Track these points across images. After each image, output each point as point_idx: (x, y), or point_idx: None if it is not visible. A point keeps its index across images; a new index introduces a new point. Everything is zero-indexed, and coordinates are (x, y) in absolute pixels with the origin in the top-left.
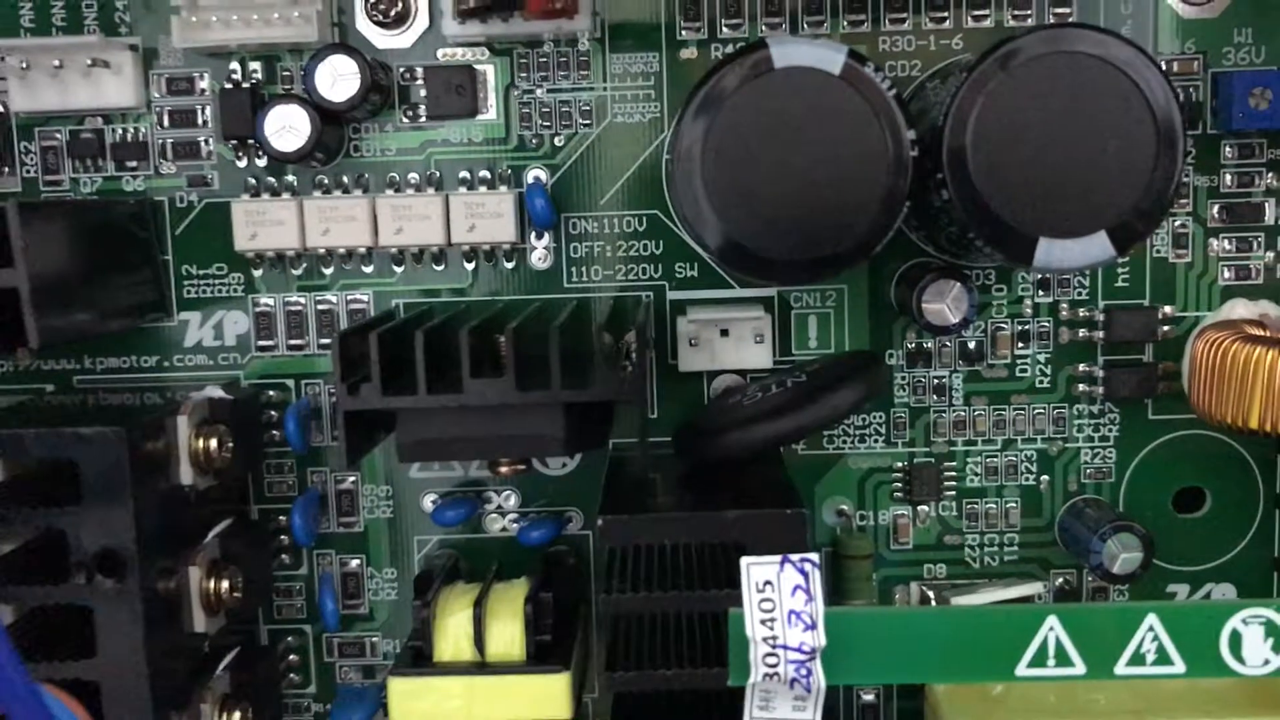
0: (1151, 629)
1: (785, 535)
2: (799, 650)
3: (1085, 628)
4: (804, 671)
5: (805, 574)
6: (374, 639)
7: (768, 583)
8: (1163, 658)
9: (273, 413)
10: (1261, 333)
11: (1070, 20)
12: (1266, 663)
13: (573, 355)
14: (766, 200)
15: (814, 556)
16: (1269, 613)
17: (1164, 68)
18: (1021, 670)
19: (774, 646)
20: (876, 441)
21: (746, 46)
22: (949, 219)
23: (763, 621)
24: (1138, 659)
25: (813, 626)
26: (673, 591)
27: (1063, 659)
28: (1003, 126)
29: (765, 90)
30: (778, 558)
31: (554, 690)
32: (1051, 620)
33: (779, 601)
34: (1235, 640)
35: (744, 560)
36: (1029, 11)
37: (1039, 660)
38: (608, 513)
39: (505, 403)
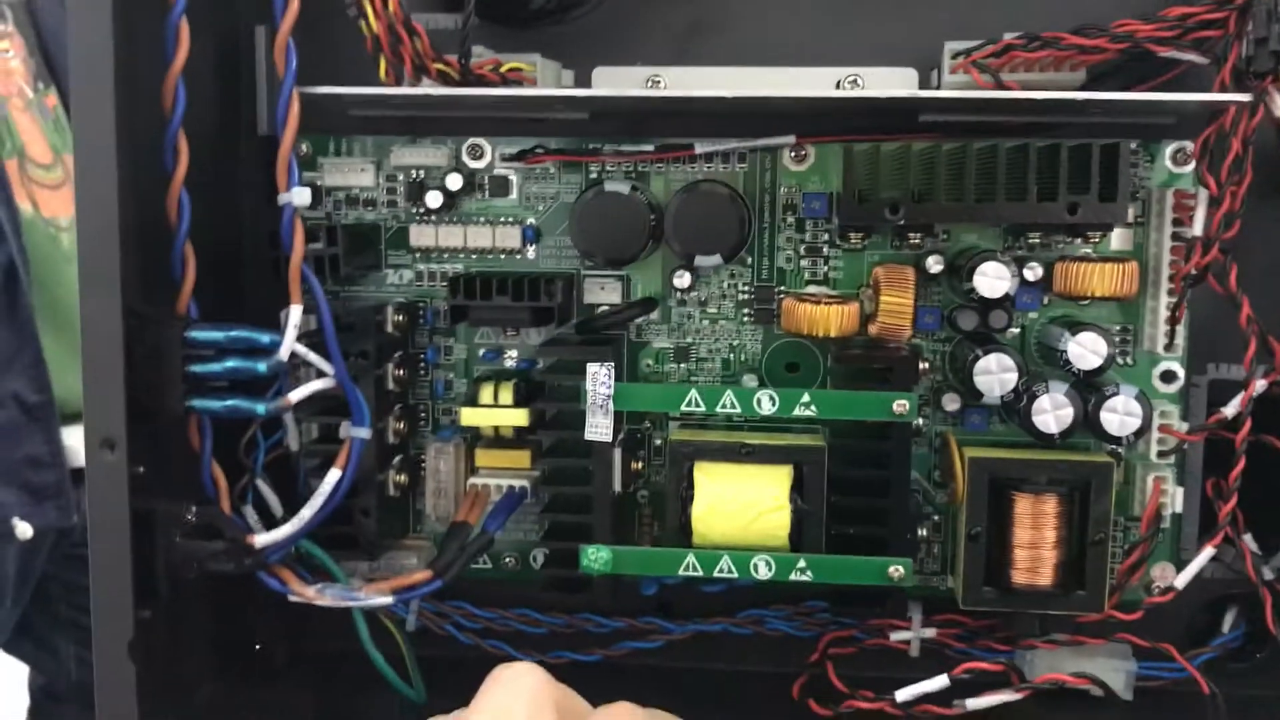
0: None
1: None
2: (605, 395)
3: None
4: (606, 403)
5: (610, 369)
6: None
7: (594, 373)
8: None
9: (421, 307)
10: (811, 297)
11: (713, 178)
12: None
13: None
14: (597, 233)
15: (611, 363)
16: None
17: (742, 196)
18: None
19: (596, 394)
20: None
21: (596, 180)
22: None
23: (591, 388)
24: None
25: (610, 386)
26: None
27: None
28: (685, 211)
29: (603, 195)
30: (600, 362)
31: None
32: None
33: (599, 377)
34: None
35: (589, 364)
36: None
37: (687, 404)
38: None
39: None
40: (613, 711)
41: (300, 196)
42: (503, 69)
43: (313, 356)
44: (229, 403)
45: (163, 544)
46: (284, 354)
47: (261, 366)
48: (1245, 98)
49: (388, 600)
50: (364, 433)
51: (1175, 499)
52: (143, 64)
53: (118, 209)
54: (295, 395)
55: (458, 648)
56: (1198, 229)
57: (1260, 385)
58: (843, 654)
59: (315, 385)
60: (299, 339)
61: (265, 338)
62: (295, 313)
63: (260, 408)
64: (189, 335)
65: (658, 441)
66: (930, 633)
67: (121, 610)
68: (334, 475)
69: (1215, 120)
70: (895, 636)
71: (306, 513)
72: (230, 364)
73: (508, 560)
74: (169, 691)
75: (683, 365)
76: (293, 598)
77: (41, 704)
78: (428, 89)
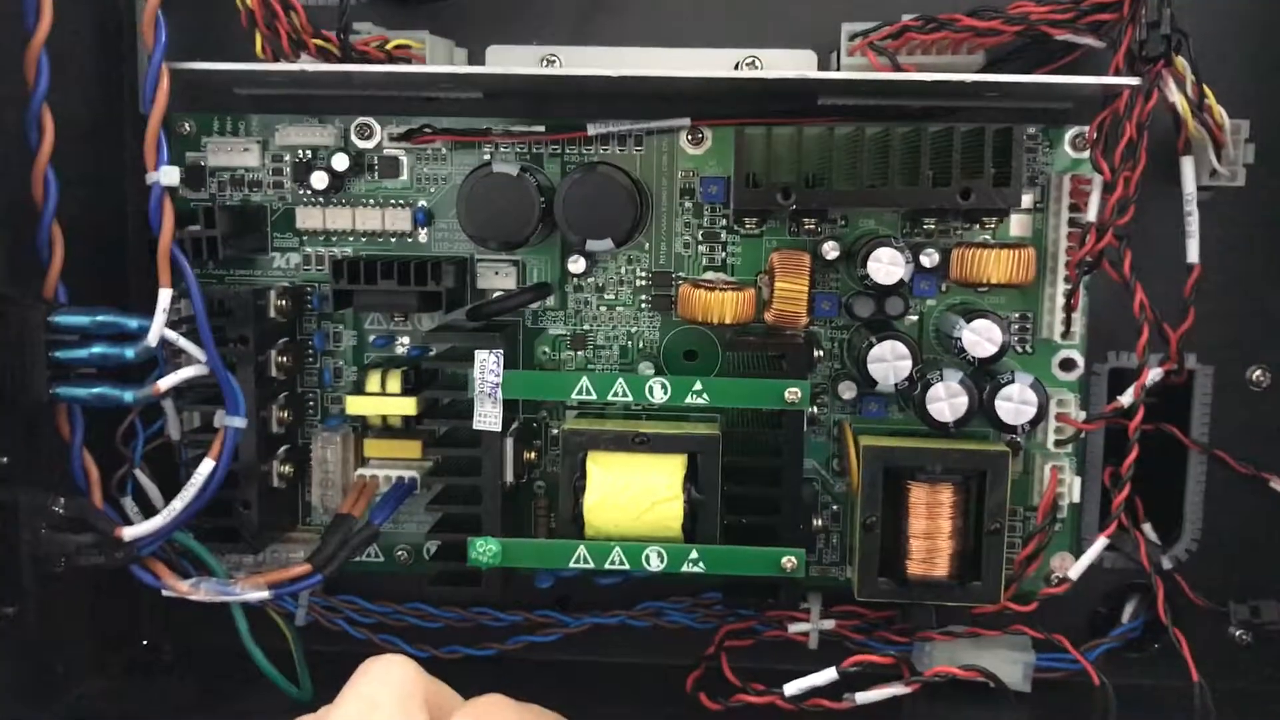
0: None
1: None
2: (493, 383)
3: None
4: (494, 391)
5: (498, 356)
6: None
7: (482, 361)
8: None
9: (308, 291)
10: (707, 284)
11: (600, 162)
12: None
13: None
14: (485, 216)
15: (500, 350)
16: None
17: (638, 180)
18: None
19: (484, 382)
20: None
21: (485, 163)
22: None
23: (479, 375)
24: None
25: (498, 374)
26: None
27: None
28: (574, 195)
29: (490, 177)
30: (489, 350)
31: None
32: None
33: (487, 365)
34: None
35: (477, 352)
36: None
37: (579, 393)
38: None
39: None
40: (482, 703)
41: (168, 176)
42: (388, 46)
43: (183, 342)
44: (96, 390)
45: (27, 536)
46: (152, 340)
47: (129, 353)
48: (1135, 81)
49: (264, 595)
50: (239, 422)
51: (1073, 489)
52: (4, 38)
53: None
54: (165, 383)
55: (350, 643)
56: (1092, 214)
57: (1155, 374)
58: (740, 646)
59: (186, 372)
60: (174, 324)
61: (134, 323)
62: (164, 296)
63: (128, 395)
64: (53, 320)
65: (555, 431)
66: (829, 624)
67: None
68: (207, 466)
69: (1110, 105)
70: (794, 629)
71: (178, 504)
72: (97, 350)
73: (400, 554)
74: (41, 688)
75: (580, 353)
76: (166, 592)
77: None
78: (304, 65)
